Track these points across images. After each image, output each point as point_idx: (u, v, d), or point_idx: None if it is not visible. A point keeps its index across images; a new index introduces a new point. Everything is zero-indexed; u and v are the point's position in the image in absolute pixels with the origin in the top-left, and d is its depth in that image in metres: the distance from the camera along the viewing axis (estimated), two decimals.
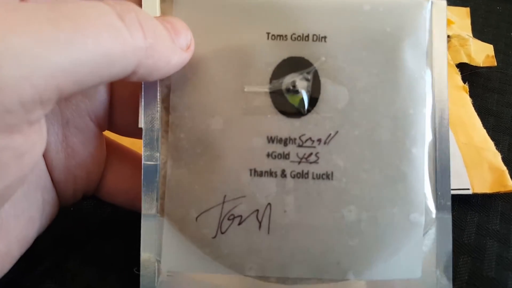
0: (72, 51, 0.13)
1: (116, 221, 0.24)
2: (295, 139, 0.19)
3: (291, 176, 0.19)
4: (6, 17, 0.13)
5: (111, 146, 0.22)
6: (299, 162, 0.19)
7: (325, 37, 0.20)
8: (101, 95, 0.21)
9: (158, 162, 0.20)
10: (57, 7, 0.14)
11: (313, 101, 0.19)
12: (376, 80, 0.20)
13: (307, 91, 0.19)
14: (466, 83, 0.33)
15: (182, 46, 0.18)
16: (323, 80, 0.19)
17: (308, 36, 0.20)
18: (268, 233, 0.19)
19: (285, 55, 0.20)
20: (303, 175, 0.19)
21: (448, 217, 0.20)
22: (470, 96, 0.32)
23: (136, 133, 0.21)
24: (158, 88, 0.20)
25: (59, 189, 0.20)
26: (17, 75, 0.13)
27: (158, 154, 0.20)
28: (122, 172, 0.22)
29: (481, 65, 0.36)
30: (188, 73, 0.19)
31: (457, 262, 0.23)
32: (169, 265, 0.19)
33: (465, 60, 0.36)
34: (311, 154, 0.19)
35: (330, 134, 0.19)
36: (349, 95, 0.19)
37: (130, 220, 0.22)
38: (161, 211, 0.20)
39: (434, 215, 0.20)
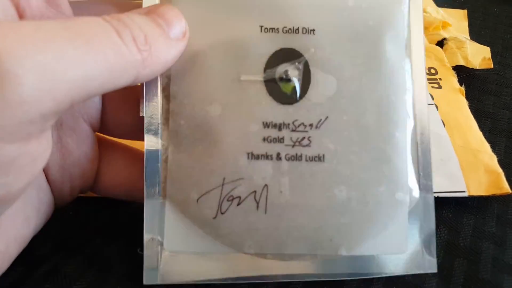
0: (86, 68, 0.15)
1: (115, 223, 0.24)
2: (288, 124, 0.21)
3: (285, 158, 0.21)
4: (31, 36, 0.14)
5: (102, 142, 0.23)
6: (293, 146, 0.21)
7: (313, 30, 0.21)
8: (94, 98, 0.22)
9: (159, 148, 0.21)
10: (69, 26, 0.15)
11: (304, 89, 0.21)
12: (361, 69, 0.21)
13: (299, 80, 0.21)
14: (463, 85, 0.33)
15: (177, 37, 0.19)
16: (313, 69, 0.21)
17: (298, 29, 0.21)
18: (265, 212, 0.20)
19: (277, 47, 0.21)
20: (297, 157, 0.21)
21: (430, 196, 0.22)
22: (467, 98, 0.32)
23: (128, 134, 0.23)
24: (159, 79, 0.21)
25: (55, 188, 0.21)
26: (41, 90, 0.14)
27: (159, 140, 0.21)
28: (116, 165, 0.23)
29: (477, 68, 0.35)
30: (187, 63, 0.21)
31: (453, 264, 0.23)
32: (172, 245, 0.20)
33: (461, 62, 0.36)
34: (303, 138, 0.21)
35: (320, 119, 0.21)
36: (337, 84, 0.21)
37: (130, 223, 0.23)
38: (163, 194, 0.20)
39: (417, 195, 0.21)
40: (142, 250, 0.20)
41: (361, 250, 0.21)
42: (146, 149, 0.20)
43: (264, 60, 0.21)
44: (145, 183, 0.20)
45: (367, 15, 0.21)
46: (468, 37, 0.39)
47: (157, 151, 0.21)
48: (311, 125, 0.21)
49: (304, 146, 0.21)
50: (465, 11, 0.43)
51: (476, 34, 0.41)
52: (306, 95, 0.21)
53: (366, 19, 0.21)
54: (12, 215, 0.18)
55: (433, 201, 0.22)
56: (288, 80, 0.21)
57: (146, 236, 0.20)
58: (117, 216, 0.24)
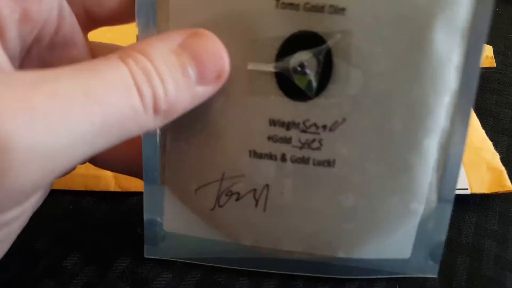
0: (96, 142, 0.14)
1: (115, 218, 0.24)
2: (298, 124, 0.18)
3: (291, 160, 0.19)
4: (42, 111, 0.13)
5: None
6: (301, 148, 0.19)
7: (343, 9, 0.17)
8: None
9: (157, 133, 0.19)
10: (85, 86, 0.14)
11: (323, 84, 0.18)
12: (396, 63, 0.17)
13: (317, 73, 0.18)
14: None
15: (206, 80, 0.17)
16: (336, 60, 0.17)
17: (324, 6, 0.17)
18: (264, 211, 0.20)
19: (295, 29, 0.17)
20: (303, 160, 0.19)
21: (448, 208, 0.19)
22: None
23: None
24: None
25: None
26: (42, 177, 0.14)
27: None
28: None
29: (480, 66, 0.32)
30: None
31: (456, 261, 0.23)
32: (171, 227, 0.21)
33: None
34: (314, 140, 0.18)
35: (336, 121, 0.18)
36: (364, 80, 0.18)
37: (129, 218, 0.23)
38: (162, 179, 0.20)
39: (434, 204, 0.19)
40: (142, 230, 0.21)
41: (360, 254, 0.20)
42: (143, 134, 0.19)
43: (277, 45, 0.17)
44: (143, 167, 0.20)
45: None
46: None
47: (154, 135, 0.19)
48: (324, 126, 0.18)
49: (313, 149, 0.18)
50: None
51: None
52: (324, 92, 0.18)
53: None
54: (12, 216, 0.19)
55: (449, 214, 0.20)
56: (304, 72, 0.18)
57: (146, 216, 0.20)
58: (117, 211, 0.24)
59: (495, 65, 0.36)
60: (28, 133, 0.12)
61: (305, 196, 0.19)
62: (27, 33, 0.16)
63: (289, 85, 0.18)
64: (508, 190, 0.26)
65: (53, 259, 0.22)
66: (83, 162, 0.21)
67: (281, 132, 0.18)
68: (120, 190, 0.24)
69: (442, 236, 0.20)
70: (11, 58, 0.16)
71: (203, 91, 0.17)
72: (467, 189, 0.25)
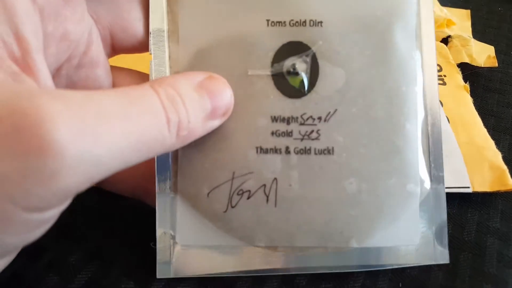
0: (125, 153, 0.16)
1: (119, 214, 0.24)
2: (297, 117, 0.21)
3: (294, 152, 0.21)
4: (89, 123, 0.15)
5: None
6: (302, 139, 0.21)
7: (321, 22, 0.21)
8: None
9: None
10: (122, 103, 0.16)
11: (313, 82, 0.21)
12: (369, 61, 0.21)
13: (307, 73, 0.21)
14: (467, 82, 0.33)
15: (217, 117, 0.20)
16: (321, 62, 0.21)
17: (305, 21, 0.21)
18: (275, 206, 0.20)
19: (284, 40, 0.21)
20: (305, 151, 0.21)
21: (441, 187, 0.21)
22: (471, 96, 0.32)
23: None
24: (167, 73, 0.21)
25: None
26: (82, 182, 0.15)
27: None
28: None
29: (482, 66, 0.36)
30: (194, 60, 0.21)
31: (458, 258, 0.23)
32: (184, 239, 0.21)
33: (466, 60, 0.36)
34: (312, 131, 0.21)
35: (329, 112, 0.21)
36: (346, 76, 0.21)
37: (134, 213, 0.23)
38: (174, 188, 0.21)
39: (428, 186, 0.21)
40: (155, 244, 0.20)
41: (372, 242, 0.21)
42: None
43: (271, 54, 0.21)
44: (156, 177, 0.21)
45: (375, 6, 0.21)
46: (471, 37, 0.39)
47: None
48: (319, 118, 0.21)
49: (313, 139, 0.21)
50: (468, 11, 0.43)
51: (480, 33, 0.41)
52: (314, 88, 0.21)
53: (374, 10, 0.21)
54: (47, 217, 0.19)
55: (444, 192, 0.21)
56: (296, 73, 0.21)
57: (159, 230, 0.21)
58: (122, 207, 0.24)
59: (497, 65, 0.36)
60: (78, 142, 0.14)
61: (312, 186, 0.20)
62: (63, 52, 0.19)
63: (284, 86, 0.21)
64: (510, 189, 0.26)
65: (57, 254, 0.21)
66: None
67: (282, 126, 0.21)
68: None
69: (443, 216, 0.21)
70: None
71: (212, 124, 0.20)
72: (469, 187, 0.26)
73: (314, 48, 0.21)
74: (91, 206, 0.24)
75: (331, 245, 0.21)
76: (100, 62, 0.20)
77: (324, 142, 0.21)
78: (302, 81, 0.21)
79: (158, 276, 0.20)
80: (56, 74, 0.19)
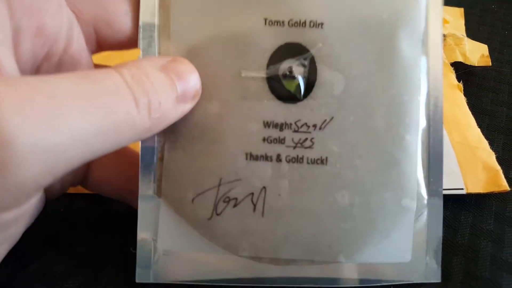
0: (93, 142, 0.15)
1: (107, 221, 0.24)
2: (290, 124, 0.20)
3: (286, 160, 0.20)
4: (43, 110, 0.13)
5: None
6: (294, 147, 0.20)
7: (322, 24, 0.20)
8: None
9: (155, 145, 0.20)
10: (85, 90, 0.15)
11: (309, 87, 0.20)
12: (371, 67, 0.20)
13: (304, 77, 0.20)
14: (461, 82, 0.33)
15: (188, 99, 0.19)
16: (319, 66, 0.20)
17: (305, 22, 0.20)
18: (262, 216, 0.20)
19: (282, 41, 0.20)
20: (298, 159, 0.20)
21: (439, 202, 0.20)
22: (465, 95, 0.32)
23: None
24: None
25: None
26: (41, 172, 0.14)
27: (155, 137, 0.20)
28: (106, 163, 0.22)
29: (476, 65, 0.36)
30: (185, 57, 0.20)
31: (451, 262, 0.22)
32: (166, 245, 0.20)
33: (460, 59, 0.36)
34: (306, 139, 0.20)
35: (325, 120, 0.20)
36: (345, 82, 0.20)
37: (121, 221, 0.23)
38: (158, 192, 0.20)
39: (425, 201, 0.20)
40: (135, 248, 0.20)
41: (361, 257, 0.20)
42: (141, 146, 0.20)
43: (267, 55, 0.20)
44: (140, 180, 0.20)
45: (380, 8, 0.20)
46: (465, 35, 0.38)
47: (153, 148, 0.20)
48: (314, 126, 0.20)
49: (306, 148, 0.20)
50: (462, 9, 0.42)
51: (474, 31, 0.40)
52: (311, 94, 0.20)
53: (379, 13, 0.20)
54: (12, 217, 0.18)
55: (441, 208, 0.20)
56: (292, 77, 0.20)
57: (140, 234, 0.20)
58: (109, 214, 0.24)
59: (490, 64, 0.36)
60: (29, 130, 0.13)
61: (302, 196, 0.20)
62: (40, 48, 0.18)
63: (279, 90, 0.20)
64: (504, 190, 0.26)
65: (44, 263, 0.21)
66: (82, 176, 0.21)
67: (275, 133, 0.20)
68: None
69: (439, 233, 0.20)
70: (22, 71, 0.17)
71: (184, 108, 0.18)
72: (462, 189, 0.25)
73: (313, 51, 0.20)
74: (78, 213, 0.24)
75: (318, 259, 0.20)
76: (82, 60, 0.19)
77: (318, 151, 0.20)
78: (299, 86, 0.20)
79: (137, 280, 0.20)
80: (35, 73, 0.18)
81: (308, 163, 0.20)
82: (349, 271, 0.20)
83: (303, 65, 0.20)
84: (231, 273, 0.20)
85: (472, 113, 0.31)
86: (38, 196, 0.18)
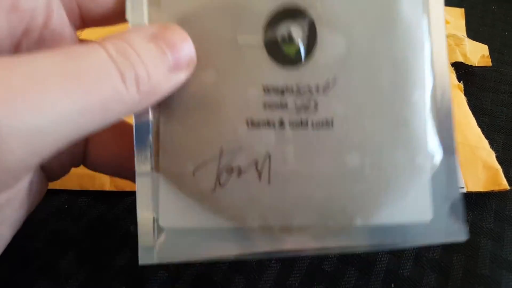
0: (80, 121, 0.14)
1: (110, 218, 0.23)
2: (292, 87, 0.19)
3: (289, 125, 0.19)
4: (22, 91, 0.13)
5: None
6: (298, 112, 0.19)
7: None
8: None
9: (149, 119, 0.19)
10: (68, 68, 0.14)
11: (310, 49, 0.19)
12: (373, 28, 0.19)
13: (303, 40, 0.19)
14: (461, 81, 0.33)
15: (181, 68, 0.18)
16: (319, 27, 0.19)
17: None
18: (269, 183, 0.18)
19: (279, 3, 0.19)
20: (302, 124, 0.19)
21: (454, 158, 0.19)
22: (465, 95, 0.32)
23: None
24: None
25: (45, 167, 0.20)
26: (27, 154, 0.13)
27: (149, 111, 0.19)
28: (105, 141, 0.21)
29: (476, 65, 0.36)
30: (178, 25, 0.19)
31: (452, 260, 0.22)
32: (168, 221, 0.19)
33: (460, 59, 0.36)
34: (309, 102, 0.19)
35: (328, 82, 0.19)
36: (346, 43, 0.19)
37: (125, 217, 0.23)
38: (156, 167, 0.19)
39: (440, 158, 0.19)
40: (135, 227, 0.18)
41: (379, 219, 0.19)
42: (135, 120, 0.19)
43: (264, 19, 0.19)
44: (135, 156, 0.19)
45: None
46: (465, 36, 0.39)
47: (147, 122, 0.19)
48: (317, 88, 0.19)
49: (310, 111, 0.19)
50: (463, 9, 0.43)
51: (475, 31, 0.41)
52: (311, 56, 0.19)
53: None
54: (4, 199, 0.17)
55: (457, 163, 0.19)
56: (291, 40, 0.19)
57: (140, 213, 0.19)
58: (113, 210, 0.23)
59: (491, 64, 0.36)
60: (8, 112, 0.12)
61: (309, 161, 0.19)
62: (16, 24, 0.17)
63: (278, 54, 0.19)
64: (504, 189, 0.26)
65: (48, 259, 0.21)
66: (74, 158, 0.20)
67: (276, 98, 0.19)
68: (115, 190, 0.23)
69: (457, 190, 0.19)
70: (0, 50, 0.16)
71: (178, 78, 0.18)
72: (463, 187, 0.25)
73: (312, 12, 0.19)
74: (81, 210, 0.23)
75: (333, 224, 0.19)
76: (65, 35, 0.18)
77: (323, 114, 0.19)
78: (299, 50, 0.19)
79: (140, 263, 0.18)
80: (15, 51, 0.17)
81: (313, 126, 0.19)
82: (368, 236, 0.19)
83: (302, 27, 0.19)
84: (237, 249, 0.19)
85: (473, 113, 0.31)
86: (30, 177, 0.17)
